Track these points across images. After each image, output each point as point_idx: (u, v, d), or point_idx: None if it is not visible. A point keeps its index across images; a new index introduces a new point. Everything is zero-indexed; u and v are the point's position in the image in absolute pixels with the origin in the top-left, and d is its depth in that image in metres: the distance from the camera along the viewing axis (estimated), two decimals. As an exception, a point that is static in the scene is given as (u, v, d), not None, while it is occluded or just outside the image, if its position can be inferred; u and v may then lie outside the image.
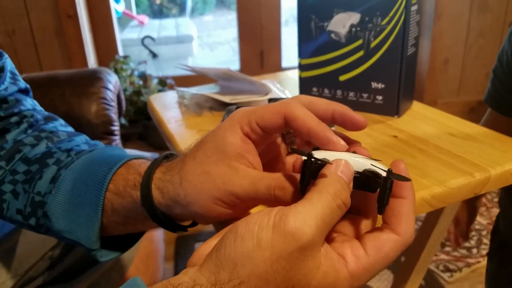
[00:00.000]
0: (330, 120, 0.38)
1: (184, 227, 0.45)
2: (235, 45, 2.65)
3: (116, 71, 2.27)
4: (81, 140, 0.55)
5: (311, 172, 0.34)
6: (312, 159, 0.34)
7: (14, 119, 0.55)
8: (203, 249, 0.35)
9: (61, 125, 0.58)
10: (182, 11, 5.01)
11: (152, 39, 2.88)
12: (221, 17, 5.28)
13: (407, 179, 0.32)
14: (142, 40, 2.86)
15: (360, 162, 0.35)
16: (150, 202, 0.41)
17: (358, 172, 0.34)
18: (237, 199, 0.37)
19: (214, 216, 0.39)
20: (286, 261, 0.30)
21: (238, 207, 0.38)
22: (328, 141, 0.36)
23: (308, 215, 0.31)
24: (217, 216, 0.39)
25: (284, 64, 2.66)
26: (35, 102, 0.60)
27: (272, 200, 0.36)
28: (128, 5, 4.39)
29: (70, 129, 0.58)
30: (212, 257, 0.32)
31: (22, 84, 0.59)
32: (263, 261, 0.30)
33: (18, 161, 0.52)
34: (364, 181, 0.34)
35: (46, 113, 0.59)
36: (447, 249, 1.62)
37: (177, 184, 0.39)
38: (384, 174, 0.33)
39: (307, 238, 0.30)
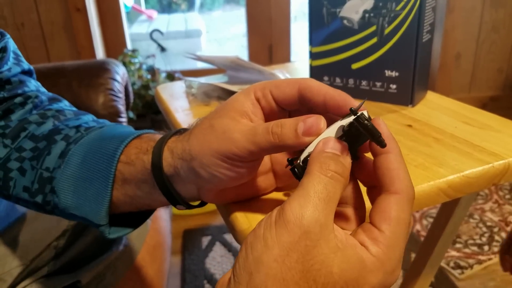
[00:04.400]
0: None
1: (188, 204, 0.44)
2: (244, 40, 2.63)
3: (125, 65, 2.26)
4: (89, 118, 0.54)
5: None
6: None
7: (18, 99, 0.54)
8: (226, 275, 0.33)
9: (66, 105, 0.57)
10: (191, 6, 5.00)
11: (161, 32, 2.87)
12: (230, 13, 5.26)
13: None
14: (151, 33, 2.85)
15: (338, 125, 0.33)
16: (159, 166, 0.41)
17: (342, 135, 0.33)
18: (236, 149, 0.36)
19: (214, 176, 0.38)
20: (297, 253, 0.28)
21: (239, 165, 0.37)
22: (346, 102, 0.35)
23: (302, 198, 0.29)
24: (218, 178, 0.38)
25: (293, 59, 2.64)
26: (39, 83, 0.59)
27: (272, 143, 0.34)
28: (137, 0, 4.38)
29: (75, 109, 0.57)
30: (230, 276, 0.30)
31: (26, 65, 0.58)
32: (274, 260, 0.28)
33: (24, 139, 0.51)
34: (352, 137, 0.33)
35: (51, 94, 0.58)
36: (458, 245, 1.60)
37: (186, 140, 0.39)
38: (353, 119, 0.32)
39: (308, 220, 0.28)
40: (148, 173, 0.42)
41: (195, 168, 0.38)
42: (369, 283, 0.29)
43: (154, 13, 4.40)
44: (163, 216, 0.94)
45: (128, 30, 2.60)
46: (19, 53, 0.58)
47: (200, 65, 2.60)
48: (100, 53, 2.38)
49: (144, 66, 2.38)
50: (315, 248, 0.28)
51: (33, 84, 0.57)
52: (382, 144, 0.31)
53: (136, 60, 2.32)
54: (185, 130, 0.44)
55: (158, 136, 0.44)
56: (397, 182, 0.31)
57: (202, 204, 0.45)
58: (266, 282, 0.28)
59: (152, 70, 2.37)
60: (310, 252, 0.28)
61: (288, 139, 0.34)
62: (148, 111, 2.35)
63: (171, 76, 2.38)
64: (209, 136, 0.37)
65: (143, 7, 4.51)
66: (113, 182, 0.44)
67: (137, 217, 0.50)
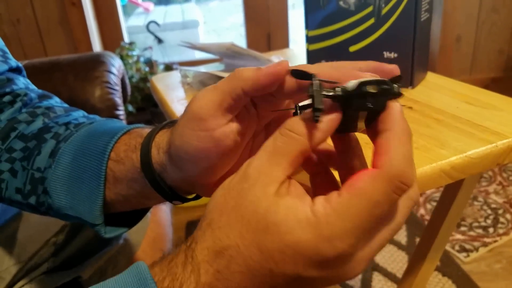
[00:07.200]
0: None
1: (182, 197, 0.43)
2: (242, 30, 2.61)
3: (122, 58, 2.24)
4: (79, 114, 0.53)
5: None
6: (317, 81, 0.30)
7: (6, 98, 0.52)
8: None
9: (56, 102, 0.56)
10: (187, -3, 4.96)
11: (157, 24, 2.85)
12: (227, 2, 5.22)
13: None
14: (147, 25, 2.82)
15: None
16: (148, 163, 0.40)
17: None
18: (199, 101, 0.35)
19: (186, 142, 0.36)
20: (235, 191, 0.31)
21: (209, 133, 0.36)
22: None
23: (260, 157, 0.31)
24: (192, 146, 0.36)
25: (291, 47, 2.62)
26: (28, 81, 0.58)
27: (233, 79, 0.34)
28: (133, -7, 4.35)
29: (66, 105, 0.56)
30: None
31: (13, 62, 0.56)
32: (220, 196, 0.32)
33: (14, 139, 0.49)
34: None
35: (40, 91, 0.57)
36: (463, 228, 1.59)
37: (171, 132, 0.39)
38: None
39: (250, 167, 0.30)
40: (138, 172, 0.41)
41: (176, 153, 0.37)
42: (293, 234, 0.28)
43: (150, 5, 4.37)
44: (163, 208, 0.93)
45: (125, 23, 2.58)
46: (7, 50, 0.57)
47: (198, 55, 2.58)
48: (97, 47, 2.37)
49: (142, 59, 2.36)
50: (248, 190, 0.30)
51: (21, 82, 0.56)
52: (314, 119, 0.29)
53: (134, 53, 2.30)
54: (174, 122, 0.42)
55: (146, 130, 0.43)
56: (385, 158, 0.28)
57: (198, 196, 0.44)
58: (212, 211, 0.31)
59: (150, 63, 2.35)
60: (244, 192, 0.30)
61: (248, 71, 0.34)
62: (148, 104, 2.34)
63: (169, 68, 2.37)
64: (182, 118, 0.37)
65: (139, -1, 4.48)
66: (105, 180, 0.43)
67: (133, 215, 0.49)
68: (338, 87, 0.30)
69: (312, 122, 0.30)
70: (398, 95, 0.30)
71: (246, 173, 0.31)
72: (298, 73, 0.33)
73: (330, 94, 0.29)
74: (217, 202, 0.31)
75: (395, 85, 0.30)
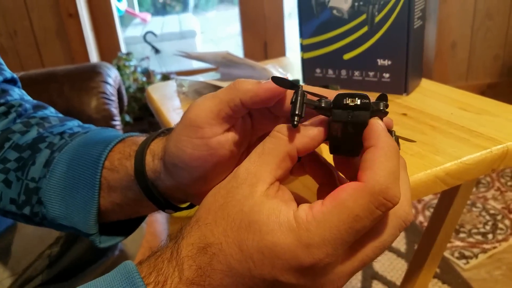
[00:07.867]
0: None
1: (174, 206, 0.43)
2: (239, 39, 2.61)
3: (119, 69, 2.25)
4: (74, 124, 0.53)
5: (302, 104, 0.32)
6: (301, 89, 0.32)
7: (1, 109, 0.52)
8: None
9: (51, 112, 0.56)
10: (185, 8, 4.98)
11: (154, 34, 2.85)
12: (224, 12, 5.25)
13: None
14: (144, 35, 2.83)
15: None
16: (142, 171, 0.40)
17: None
18: (199, 110, 0.36)
19: (182, 151, 0.36)
20: (224, 190, 0.31)
21: (204, 141, 0.36)
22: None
23: (250, 158, 0.32)
24: (190, 161, 0.37)
25: (288, 55, 2.62)
26: (23, 92, 0.58)
27: (231, 91, 0.35)
28: (130, 3, 4.36)
29: (61, 115, 0.56)
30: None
31: (8, 74, 0.56)
32: (210, 195, 0.32)
33: (8, 149, 0.49)
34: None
35: (35, 101, 0.57)
36: (462, 235, 1.58)
37: (165, 139, 0.39)
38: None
39: (240, 167, 0.31)
40: (132, 180, 0.41)
41: (170, 160, 0.37)
42: (273, 235, 0.28)
43: (148, 16, 4.38)
44: (159, 219, 0.92)
45: (123, 34, 2.58)
46: (2, 61, 0.57)
47: (196, 65, 2.59)
48: (94, 57, 2.37)
49: (139, 69, 2.36)
50: (237, 189, 0.30)
51: (16, 93, 0.56)
52: (292, 123, 0.31)
53: (131, 63, 2.31)
54: (170, 129, 0.42)
55: (141, 138, 0.43)
56: (369, 173, 0.28)
57: (191, 205, 0.44)
58: (201, 209, 0.32)
59: (147, 73, 2.36)
60: (232, 191, 0.31)
61: (248, 84, 0.34)
62: (145, 114, 2.34)
63: (166, 78, 2.37)
64: (179, 125, 0.37)
65: (136, 10, 4.49)
66: (99, 189, 0.43)
67: (128, 224, 0.49)
68: (321, 99, 0.31)
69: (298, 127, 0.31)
70: (384, 113, 0.31)
71: (236, 173, 0.31)
72: (283, 82, 0.33)
73: (311, 103, 0.31)
74: (207, 200, 0.32)
75: (381, 103, 0.31)
